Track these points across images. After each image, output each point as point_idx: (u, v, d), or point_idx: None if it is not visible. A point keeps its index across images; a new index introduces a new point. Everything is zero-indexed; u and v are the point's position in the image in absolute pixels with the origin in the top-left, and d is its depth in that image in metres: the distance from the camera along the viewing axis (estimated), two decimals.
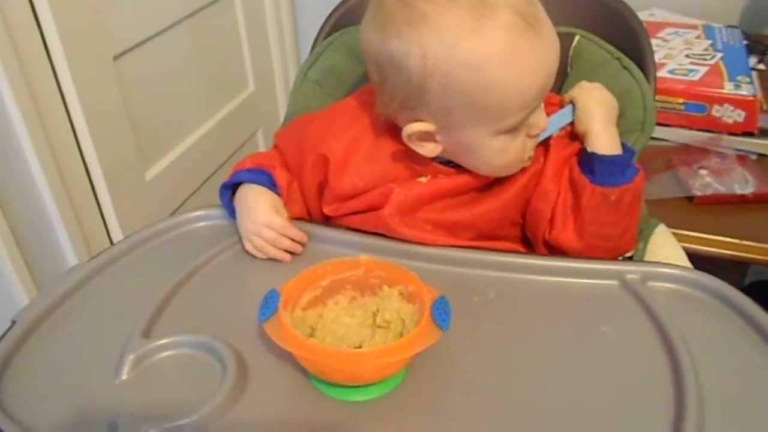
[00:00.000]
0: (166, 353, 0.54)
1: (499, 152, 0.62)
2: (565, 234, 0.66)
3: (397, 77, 0.59)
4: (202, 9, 1.43)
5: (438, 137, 0.62)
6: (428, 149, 0.63)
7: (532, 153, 0.65)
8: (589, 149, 0.65)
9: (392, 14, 0.58)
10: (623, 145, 0.66)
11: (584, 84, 0.69)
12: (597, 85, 0.69)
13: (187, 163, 1.46)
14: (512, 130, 0.60)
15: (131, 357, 0.53)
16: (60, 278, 0.62)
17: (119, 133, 1.25)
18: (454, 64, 0.56)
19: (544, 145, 0.68)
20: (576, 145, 0.68)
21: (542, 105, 0.63)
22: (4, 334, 0.56)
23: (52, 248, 1.15)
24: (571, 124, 0.68)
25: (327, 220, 0.71)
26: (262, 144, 1.77)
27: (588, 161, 0.65)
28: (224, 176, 0.70)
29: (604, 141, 0.65)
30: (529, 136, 0.63)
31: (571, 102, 0.68)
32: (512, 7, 0.55)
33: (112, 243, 1.24)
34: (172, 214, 0.69)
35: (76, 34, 1.10)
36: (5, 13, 0.98)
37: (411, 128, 0.61)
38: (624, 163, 0.65)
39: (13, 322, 0.57)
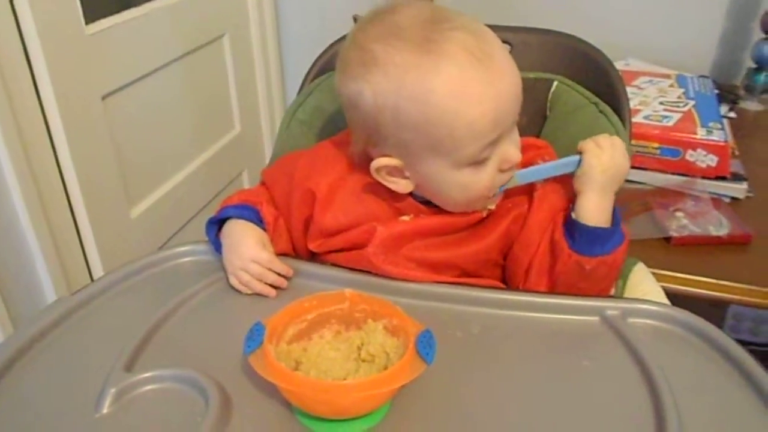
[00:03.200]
0: (148, 387, 0.54)
1: (464, 186, 0.62)
2: (539, 290, 0.66)
3: (357, 115, 0.62)
4: (192, 52, 1.47)
5: (406, 173, 0.64)
6: (401, 185, 0.65)
7: (497, 191, 0.65)
8: (574, 215, 0.64)
9: (349, 57, 0.62)
10: (614, 214, 0.64)
11: (601, 141, 0.64)
12: (616, 144, 0.65)
13: (172, 202, 1.46)
14: (476, 163, 0.61)
15: (112, 391, 0.53)
16: (42, 311, 0.62)
17: (105, 171, 1.25)
18: (400, 98, 0.58)
19: (530, 186, 0.67)
20: (568, 198, 0.66)
21: (514, 139, 0.63)
22: None
23: (31, 285, 1.14)
24: (572, 174, 0.65)
25: (312, 257, 0.71)
26: (247, 184, 1.78)
27: (571, 225, 0.64)
28: (209, 215, 0.70)
29: (593, 209, 0.63)
30: (501, 170, 0.63)
31: (579, 153, 0.65)
32: (459, 44, 0.58)
33: (92, 281, 1.23)
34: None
35: (66, 73, 1.12)
36: None
37: (378, 162, 0.64)
38: (606, 236, 0.63)
39: None
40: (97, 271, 1.26)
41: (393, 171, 0.64)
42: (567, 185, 0.67)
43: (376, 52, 0.59)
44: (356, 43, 0.61)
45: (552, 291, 0.65)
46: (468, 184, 0.63)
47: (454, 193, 0.64)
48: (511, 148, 0.63)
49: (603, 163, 0.63)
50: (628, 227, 0.66)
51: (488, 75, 0.58)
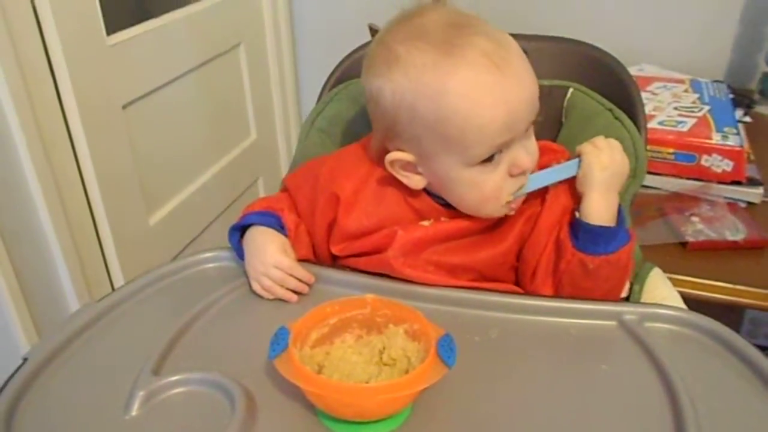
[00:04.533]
0: (175, 390, 0.55)
1: (472, 185, 0.64)
2: (544, 291, 0.67)
3: (377, 110, 0.65)
4: (209, 61, 1.49)
5: (420, 168, 0.66)
6: (414, 180, 0.67)
7: (511, 198, 0.65)
8: (578, 214, 0.65)
9: (375, 55, 0.65)
10: (619, 213, 0.65)
11: (598, 142, 0.67)
12: (613, 144, 0.67)
13: (190, 209, 1.48)
14: (484, 163, 0.62)
15: (141, 393, 0.54)
16: (71, 316, 0.63)
17: (125, 179, 1.28)
18: (417, 96, 0.61)
19: (543, 188, 0.68)
20: (577, 200, 0.67)
21: (526, 146, 0.64)
22: (15, 372, 0.57)
23: (54, 292, 1.16)
24: (575, 177, 0.67)
25: (333, 262, 0.72)
26: (263, 191, 1.80)
27: (576, 225, 0.65)
28: (226, 222, 0.72)
29: (597, 208, 0.64)
30: (511, 175, 0.64)
31: (579, 156, 0.67)
32: (479, 48, 0.60)
33: (113, 287, 1.25)
34: (174, 259, 0.71)
35: (88, 83, 1.14)
36: (22, 63, 1.02)
37: (392, 155, 0.66)
38: (609, 235, 0.64)
39: (25, 359, 0.58)
40: (118, 278, 1.28)
41: (406, 166, 0.66)
42: (573, 184, 0.68)
43: (399, 52, 0.62)
44: (383, 43, 0.64)
45: (560, 293, 0.66)
46: (476, 183, 0.64)
47: (463, 191, 0.65)
48: (522, 154, 0.64)
49: (602, 161, 0.65)
50: (643, 232, 0.67)
51: (503, 81, 0.60)
